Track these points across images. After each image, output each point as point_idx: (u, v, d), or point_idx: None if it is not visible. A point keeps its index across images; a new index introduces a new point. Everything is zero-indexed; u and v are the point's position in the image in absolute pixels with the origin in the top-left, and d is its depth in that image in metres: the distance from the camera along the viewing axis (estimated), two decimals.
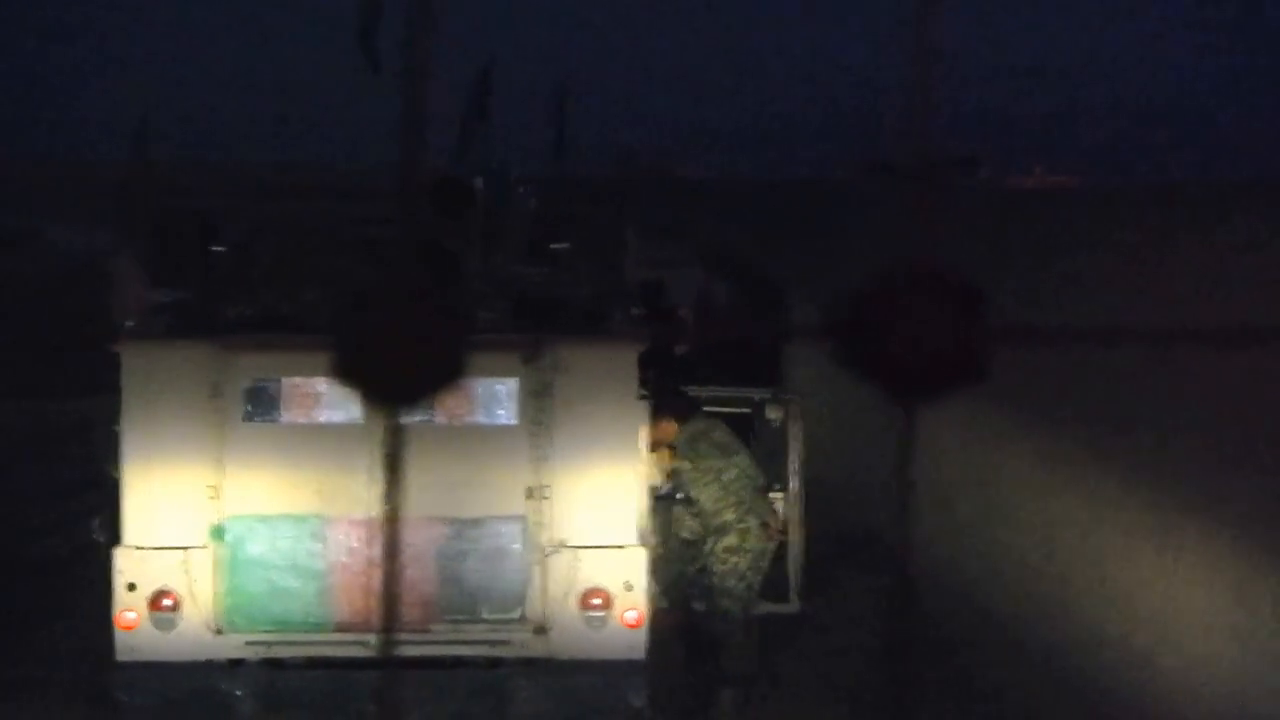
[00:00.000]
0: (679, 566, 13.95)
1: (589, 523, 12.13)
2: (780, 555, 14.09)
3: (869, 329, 1.86)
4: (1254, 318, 10.98)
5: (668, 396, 13.53)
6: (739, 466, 13.75)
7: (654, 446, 13.14)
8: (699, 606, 13.90)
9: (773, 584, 14.10)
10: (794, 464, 14.30)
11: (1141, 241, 13.19)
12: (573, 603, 12.11)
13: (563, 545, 12.10)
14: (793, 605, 14.36)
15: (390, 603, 9.86)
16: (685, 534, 13.94)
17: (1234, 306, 11.35)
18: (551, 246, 14.83)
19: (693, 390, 14.19)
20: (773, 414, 14.44)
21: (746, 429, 14.25)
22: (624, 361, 12.22)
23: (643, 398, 12.51)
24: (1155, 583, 12.37)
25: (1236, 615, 11.22)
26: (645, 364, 12.49)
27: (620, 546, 12.16)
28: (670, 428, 13.54)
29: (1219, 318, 11.56)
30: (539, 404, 12.07)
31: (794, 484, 14.28)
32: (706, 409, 14.07)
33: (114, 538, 12.21)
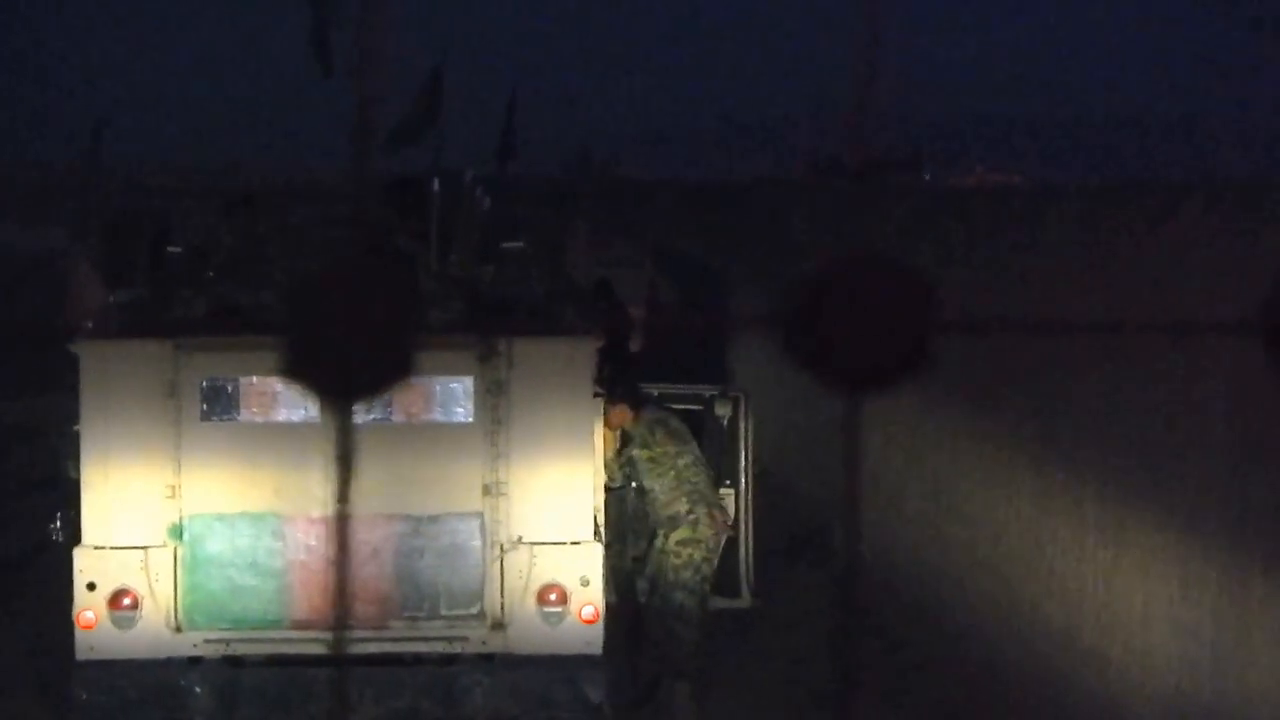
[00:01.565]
0: (632, 561, 14.05)
1: (545, 519, 12.23)
2: (731, 550, 14.19)
3: (815, 318, 1.91)
4: (1192, 313, 11.13)
5: (623, 386, 13.66)
6: (692, 454, 13.87)
7: (609, 428, 13.27)
8: (653, 601, 13.98)
9: (724, 579, 14.20)
10: (744, 460, 14.40)
11: (1082, 239, 13.35)
12: (530, 598, 12.21)
13: (520, 541, 12.20)
14: (744, 600, 14.48)
15: (348, 600, 9.95)
16: (638, 526, 14.04)
17: (1173, 303, 11.50)
18: (504, 246, 14.89)
19: (643, 387, 14.28)
20: (722, 410, 14.51)
21: (696, 426, 14.35)
22: (578, 358, 12.33)
23: (597, 394, 12.64)
24: (1101, 576, 12.52)
25: (1180, 608, 11.38)
26: (599, 361, 12.61)
27: (576, 542, 12.27)
28: (625, 414, 13.66)
29: (1159, 313, 11.71)
30: (495, 401, 12.17)
31: (744, 480, 14.39)
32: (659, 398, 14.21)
33: (73, 537, 12.28)
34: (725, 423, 14.40)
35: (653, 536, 13.92)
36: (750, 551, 14.34)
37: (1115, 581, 12.29)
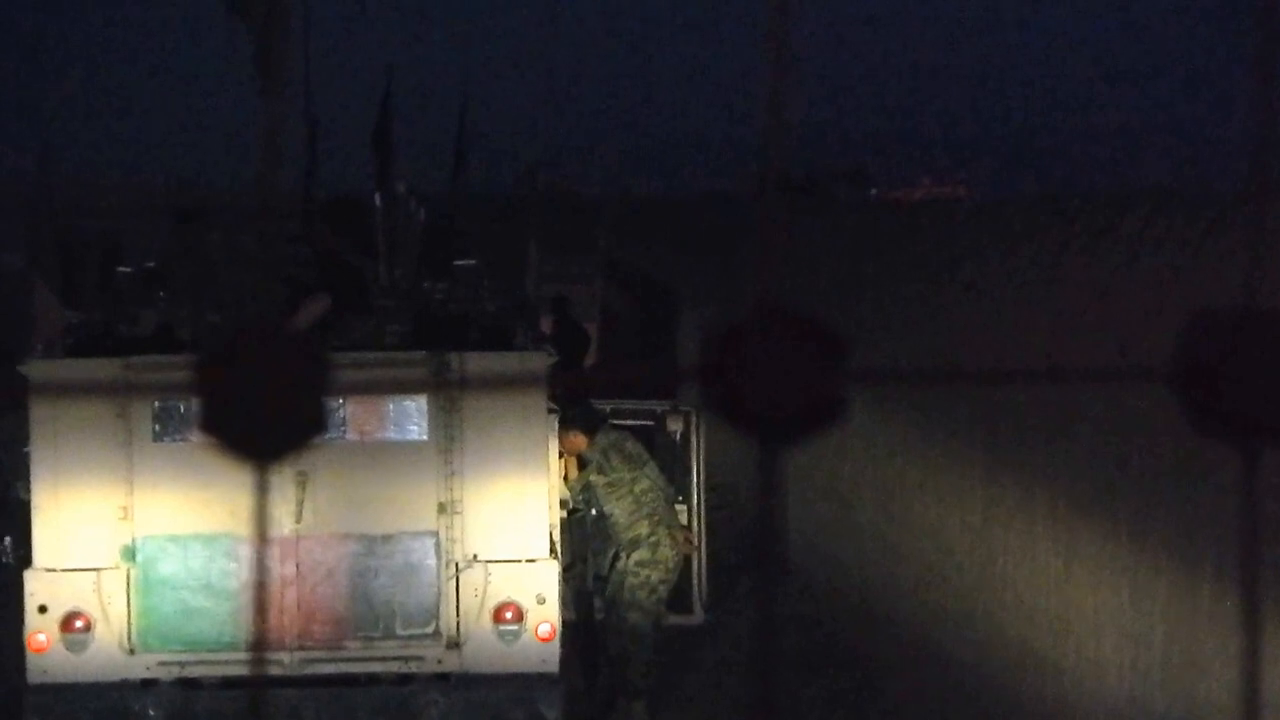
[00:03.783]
0: (588, 580, 14.05)
1: (501, 536, 12.21)
2: (684, 567, 14.19)
3: (728, 375, 1.91)
4: (1142, 325, 11.19)
5: (576, 409, 13.65)
6: (650, 478, 13.86)
7: (563, 456, 13.27)
8: (607, 619, 13.98)
9: (677, 596, 14.20)
10: (697, 476, 14.38)
11: (1030, 250, 13.40)
12: (485, 617, 12.19)
13: (475, 559, 12.18)
14: (697, 617, 14.47)
15: (303, 620, 9.86)
16: (595, 548, 14.04)
17: (1122, 313, 11.55)
18: (456, 263, 14.88)
19: (596, 403, 14.27)
20: (674, 425, 14.50)
21: (648, 441, 14.33)
22: (532, 375, 12.32)
23: (551, 411, 12.63)
24: (1053, 586, 12.57)
25: (1129, 616, 11.43)
26: (552, 378, 12.61)
27: (532, 560, 12.25)
28: (580, 439, 13.66)
29: (1109, 324, 11.76)
30: (449, 419, 12.15)
31: (697, 496, 14.37)
32: (611, 422, 14.17)
33: (24, 559, 12.21)
34: (678, 438, 14.38)
35: (613, 557, 13.91)
36: (703, 567, 14.32)
37: (1067, 592, 12.34)
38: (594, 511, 13.91)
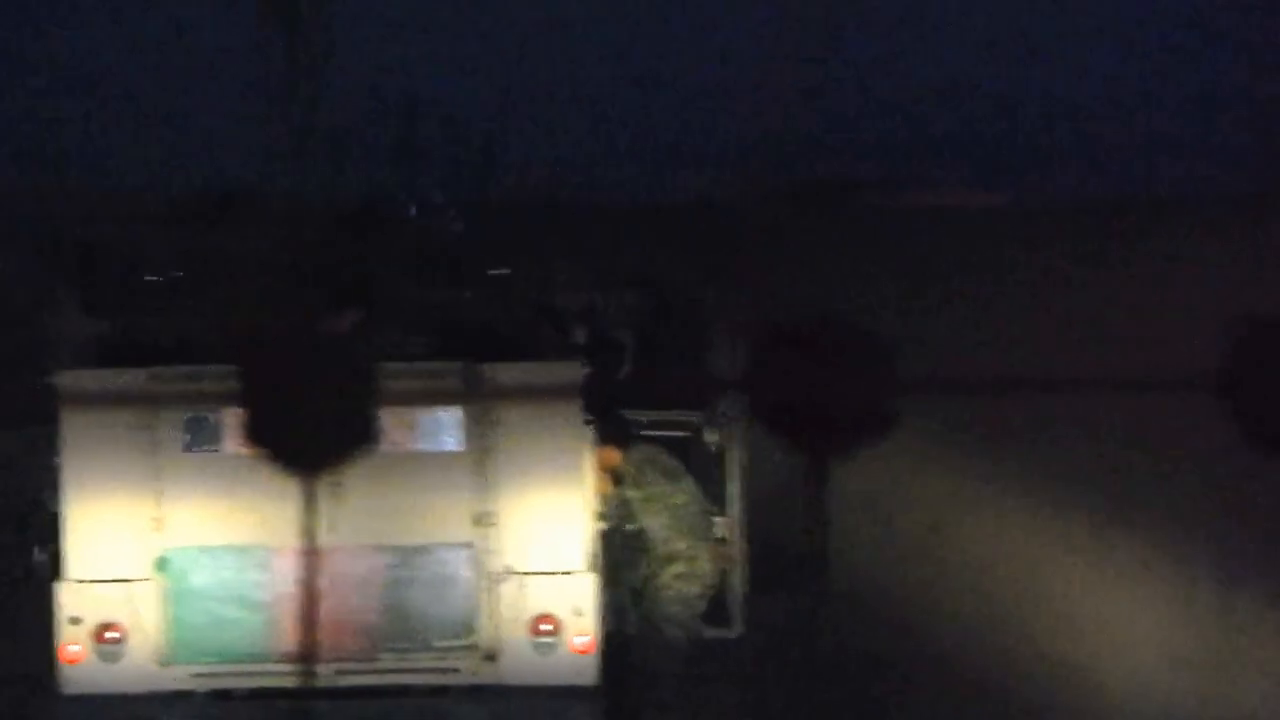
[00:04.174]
0: (630, 594, 13.91)
1: (537, 548, 12.10)
2: (722, 579, 14.03)
3: (771, 387, 1.83)
4: (1173, 333, 11.08)
5: (609, 423, 13.48)
6: (687, 492, 13.69)
7: (599, 469, 13.11)
8: (644, 633, 13.84)
9: (714, 608, 14.04)
10: (733, 487, 14.16)
11: (1065, 257, 13.28)
12: (522, 629, 12.08)
13: (511, 571, 12.08)
14: (734, 630, 14.27)
15: (336, 632, 9.77)
16: (633, 562, 13.90)
17: (1153, 322, 11.44)
18: (488, 273, 14.77)
19: (630, 414, 14.10)
20: (710, 437, 14.28)
21: (685, 453, 14.16)
22: (567, 385, 12.20)
23: (588, 422, 12.52)
24: (1092, 598, 12.45)
25: (1169, 629, 11.33)
26: (588, 388, 12.48)
27: (569, 572, 12.14)
28: (613, 455, 13.48)
29: (1141, 332, 11.65)
30: (484, 430, 12.04)
31: (734, 508, 14.15)
32: (645, 434, 14.00)
33: (57, 571, 12.13)
34: (715, 449, 14.18)
35: (650, 572, 13.77)
36: (742, 580, 14.13)
37: (1106, 603, 12.22)
38: (628, 526, 13.77)
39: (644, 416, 14.09)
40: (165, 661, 12.00)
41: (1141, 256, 11.86)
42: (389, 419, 11.95)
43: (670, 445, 14.05)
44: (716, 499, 14.02)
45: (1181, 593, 11.12)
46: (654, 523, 13.61)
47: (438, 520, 12.06)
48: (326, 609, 11.97)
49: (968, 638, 14.68)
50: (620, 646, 13.76)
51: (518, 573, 12.08)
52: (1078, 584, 12.60)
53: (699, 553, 13.61)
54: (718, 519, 13.96)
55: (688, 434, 14.25)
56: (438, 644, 12.10)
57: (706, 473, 14.06)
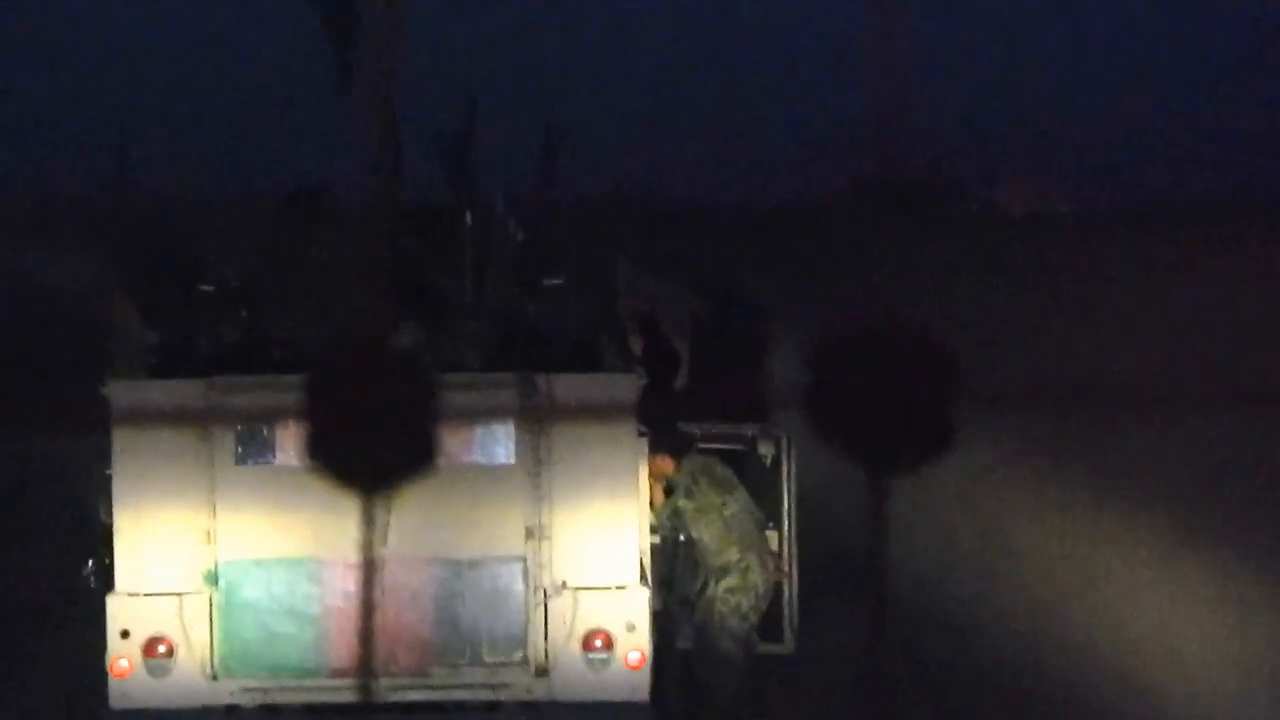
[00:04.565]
0: (680, 605, 13.74)
1: (590, 562, 11.97)
2: (775, 594, 13.82)
3: (831, 399, 1.72)
4: (1254, 345, 10.88)
5: (664, 433, 13.30)
6: (739, 502, 13.53)
7: (651, 478, 12.94)
8: (698, 646, 13.66)
9: (767, 623, 13.84)
10: (787, 501, 13.93)
11: (1140, 264, 13.07)
12: (574, 644, 11.95)
13: (564, 586, 11.93)
14: (787, 645, 14.05)
15: (388, 646, 9.63)
16: (685, 574, 13.73)
17: (1233, 330, 11.24)
18: (545, 281, 14.62)
19: (685, 426, 13.93)
20: (765, 450, 14.06)
21: (739, 465, 13.96)
22: (622, 397, 12.06)
23: (642, 434, 12.36)
24: (1157, 614, 12.25)
25: (1235, 645, 11.12)
26: (643, 399, 12.32)
27: (622, 587, 11.99)
28: (667, 463, 13.31)
29: (1218, 344, 11.45)
30: (537, 442, 11.90)
31: (788, 521, 13.93)
32: (699, 445, 13.82)
33: (107, 583, 12.04)
34: (769, 462, 13.96)
35: (702, 584, 13.60)
36: (794, 595, 13.91)
37: (1172, 619, 12.01)
38: (681, 537, 13.59)
39: (697, 428, 13.92)
40: (215, 676, 11.89)
41: (1229, 266, 11.63)
42: (443, 431, 11.80)
43: (724, 457, 13.87)
44: (771, 513, 13.83)
45: (1253, 614, 10.90)
46: (706, 534, 13.45)
47: (490, 534, 11.93)
48: (379, 623, 11.83)
49: (1031, 655, 14.47)
50: (673, 661, 13.60)
51: (570, 587, 11.93)
52: (1149, 600, 12.39)
53: (752, 564, 13.43)
54: (770, 531, 13.76)
55: (742, 446, 14.07)
56: (490, 659, 11.97)
57: (760, 485, 13.87)
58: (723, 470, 13.63)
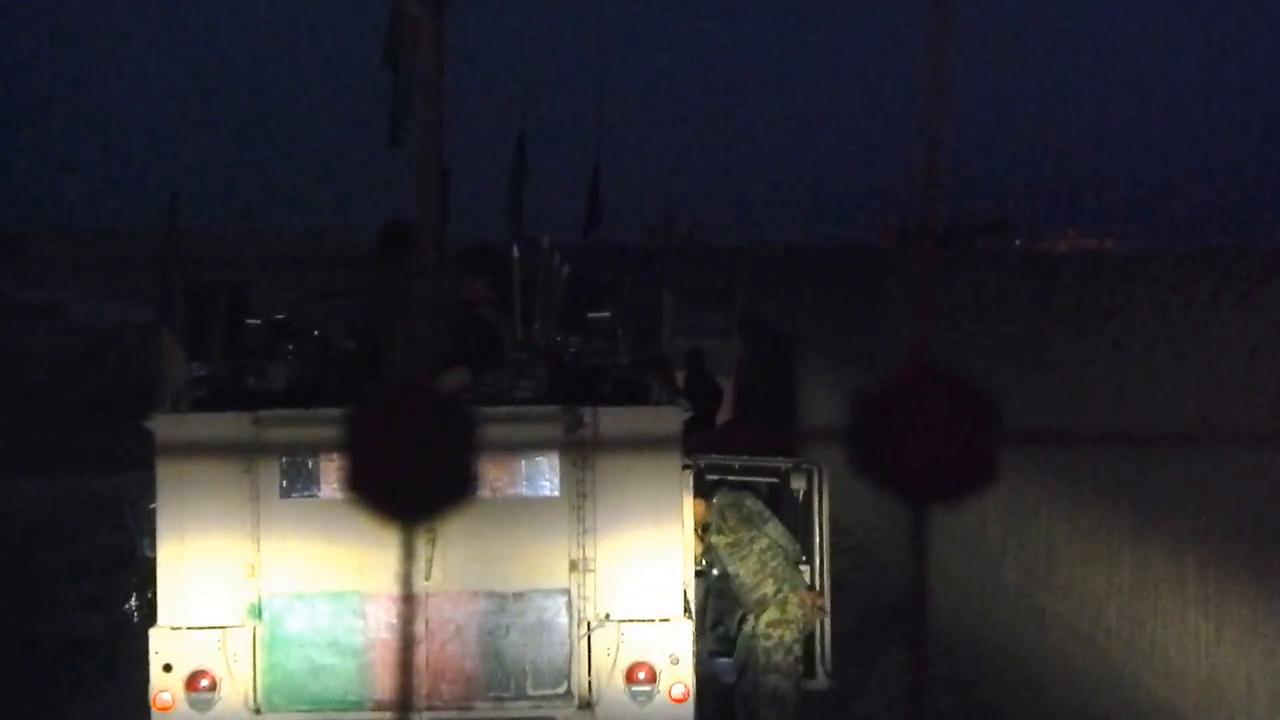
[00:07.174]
0: (718, 642, 13.68)
1: (634, 595, 11.93)
2: (809, 630, 13.70)
3: (875, 443, 1.72)
4: None
5: (697, 473, 13.17)
6: (769, 536, 13.46)
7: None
8: (743, 685, 13.58)
9: (803, 660, 13.72)
10: (820, 536, 13.82)
11: (1180, 305, 13.00)
12: (619, 677, 11.90)
13: (608, 618, 11.90)
14: (822, 682, 13.91)
15: (431, 680, 9.60)
16: (724, 609, 13.67)
17: (1275, 371, 11.17)
18: (590, 316, 14.63)
19: (719, 459, 13.84)
20: (797, 484, 13.95)
21: (773, 499, 13.89)
22: (667, 429, 12.03)
23: (687, 467, 12.33)
24: (1203, 650, 12.16)
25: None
26: (688, 433, 12.28)
27: (666, 619, 11.95)
28: (699, 506, 13.18)
29: (1261, 382, 11.39)
30: (582, 475, 11.88)
31: (820, 556, 13.81)
32: (731, 479, 13.76)
33: (150, 617, 12.05)
34: (801, 496, 13.87)
35: (741, 620, 13.53)
36: (828, 631, 13.78)
37: (1218, 655, 11.91)
38: (715, 572, 13.54)
39: (733, 462, 13.86)
40: (258, 709, 11.88)
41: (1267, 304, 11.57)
42: (487, 464, 11.80)
43: (757, 492, 13.82)
44: (804, 548, 13.73)
45: None
46: (742, 568, 13.41)
47: (534, 566, 11.90)
48: (423, 656, 11.82)
49: (1076, 692, 14.39)
50: (716, 695, 13.54)
51: (614, 620, 11.90)
52: (1195, 636, 12.31)
53: (789, 597, 13.35)
54: (804, 567, 13.66)
55: (775, 480, 14.00)
56: (534, 692, 11.93)
57: (794, 520, 13.80)
58: (753, 503, 13.57)
